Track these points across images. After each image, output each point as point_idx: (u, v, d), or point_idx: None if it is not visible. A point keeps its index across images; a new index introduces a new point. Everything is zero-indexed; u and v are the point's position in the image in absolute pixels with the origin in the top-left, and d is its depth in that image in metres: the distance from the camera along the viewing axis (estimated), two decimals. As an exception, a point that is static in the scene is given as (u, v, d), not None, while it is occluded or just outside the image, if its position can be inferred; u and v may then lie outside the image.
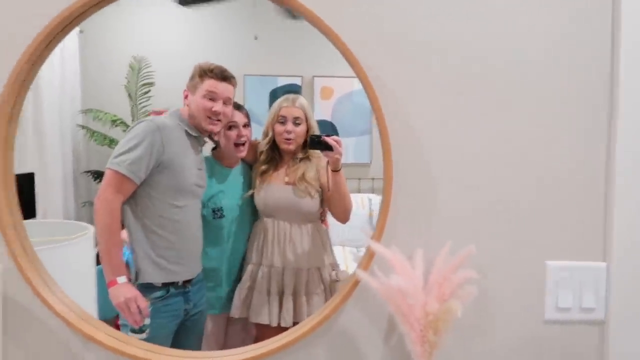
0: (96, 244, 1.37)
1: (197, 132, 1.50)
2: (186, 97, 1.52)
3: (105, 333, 1.06)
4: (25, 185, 1.97)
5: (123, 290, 1.33)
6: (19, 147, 1.91)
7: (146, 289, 1.41)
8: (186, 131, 1.48)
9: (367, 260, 1.07)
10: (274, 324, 1.57)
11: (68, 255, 1.19)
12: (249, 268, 1.61)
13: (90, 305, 1.22)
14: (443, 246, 1.03)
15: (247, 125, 1.62)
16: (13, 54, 0.98)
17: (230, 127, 1.59)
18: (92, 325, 1.06)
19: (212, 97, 1.48)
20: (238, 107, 1.61)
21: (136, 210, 1.41)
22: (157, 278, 1.43)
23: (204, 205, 1.56)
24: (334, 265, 1.68)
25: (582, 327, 1.14)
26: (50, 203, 2.16)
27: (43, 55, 1.02)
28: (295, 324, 1.48)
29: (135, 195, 1.40)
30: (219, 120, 1.50)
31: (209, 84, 1.48)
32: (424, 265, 1.01)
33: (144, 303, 1.34)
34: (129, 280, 1.37)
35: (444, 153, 1.10)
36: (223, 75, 1.48)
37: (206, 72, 1.47)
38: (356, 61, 1.03)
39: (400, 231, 1.10)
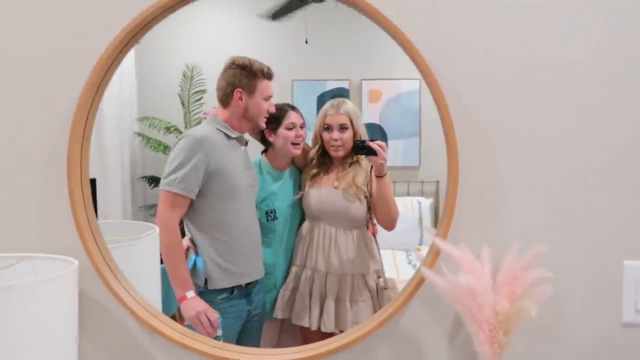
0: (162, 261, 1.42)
1: (236, 134, 1.52)
2: (240, 98, 1.50)
3: (170, 327, 1.09)
4: (88, 191, 2.06)
5: (193, 304, 1.38)
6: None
7: (212, 291, 1.45)
8: (225, 134, 1.50)
9: (432, 258, 1.06)
10: (314, 328, 1.57)
11: (136, 254, 1.23)
12: (293, 270, 1.62)
13: (155, 301, 1.25)
14: (510, 246, 1.00)
15: (303, 125, 1.64)
16: (89, 60, 1.03)
17: (288, 128, 1.60)
18: (158, 319, 1.09)
19: (268, 98, 1.52)
20: (293, 107, 1.64)
21: (196, 220, 1.45)
22: (226, 283, 1.47)
23: (257, 208, 1.57)
24: (380, 272, 1.66)
25: (664, 331, 1.08)
26: (110, 207, 2.24)
27: (117, 60, 1.06)
28: (340, 331, 1.48)
29: (193, 207, 1.44)
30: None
31: (266, 86, 1.50)
32: (491, 265, 0.98)
33: (213, 315, 1.39)
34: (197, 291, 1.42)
35: (513, 149, 1.08)
36: (270, 75, 1.52)
37: (263, 74, 1.49)
38: (422, 59, 1.02)
39: (466, 229, 1.07)
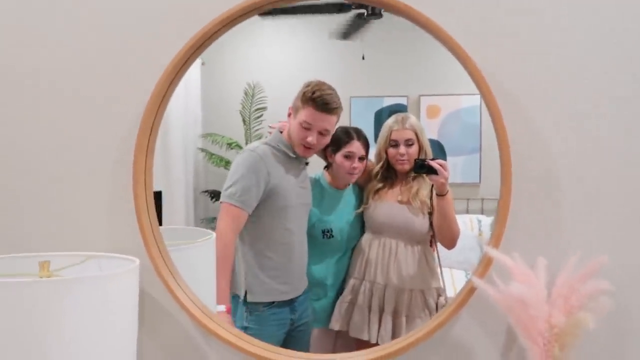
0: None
1: (296, 154, 1.51)
2: (289, 115, 1.50)
3: (225, 329, 1.13)
4: (155, 202, 2.17)
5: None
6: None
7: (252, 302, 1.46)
8: (286, 153, 1.49)
9: (484, 267, 1.03)
10: (373, 341, 1.54)
11: (193, 257, 1.29)
12: (351, 282, 1.61)
13: (211, 304, 1.30)
14: (566, 257, 0.96)
15: (363, 158, 1.59)
16: (155, 73, 1.11)
17: (346, 157, 1.57)
18: (214, 321, 1.13)
19: (307, 127, 1.45)
20: (359, 136, 1.59)
21: (247, 234, 1.46)
22: (265, 298, 1.47)
23: (313, 226, 1.57)
24: (440, 290, 1.62)
25: None
26: (174, 219, 2.35)
27: (180, 73, 1.14)
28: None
29: (246, 221, 1.44)
30: (311, 148, 1.49)
31: (307, 113, 1.44)
32: (547, 276, 0.95)
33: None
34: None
35: (570, 159, 1.05)
36: (325, 108, 1.44)
37: (308, 100, 1.44)
38: (479, 73, 1.02)
39: (520, 239, 1.04)
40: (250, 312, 1.46)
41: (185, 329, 1.15)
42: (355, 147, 1.57)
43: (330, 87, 1.47)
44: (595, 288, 0.91)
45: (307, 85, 1.47)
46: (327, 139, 1.51)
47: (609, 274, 0.92)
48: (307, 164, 1.58)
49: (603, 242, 1.03)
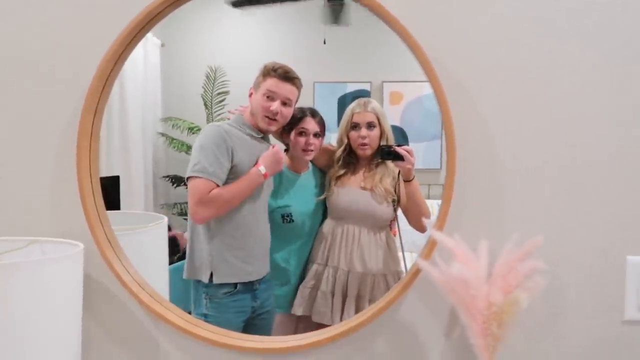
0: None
1: (260, 134, 1.52)
2: (250, 95, 1.53)
3: (174, 313, 1.12)
4: (112, 188, 2.12)
5: (272, 157, 1.49)
6: (107, 154, 2.06)
7: (215, 285, 1.46)
8: (250, 134, 1.51)
9: (429, 249, 1.06)
10: (336, 326, 1.57)
11: (144, 242, 1.28)
12: (314, 267, 1.62)
13: (162, 288, 1.29)
14: (509, 238, 0.99)
15: (318, 134, 1.61)
16: (98, 52, 1.08)
17: (300, 133, 1.60)
18: (163, 306, 1.12)
19: (271, 96, 1.48)
20: (313, 113, 1.61)
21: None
22: (232, 278, 1.47)
23: (273, 212, 1.58)
24: (400, 274, 1.66)
25: (669, 329, 1.05)
26: (133, 204, 2.31)
27: (125, 53, 1.10)
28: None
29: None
30: (275, 119, 1.50)
31: (270, 83, 1.48)
32: (488, 257, 0.98)
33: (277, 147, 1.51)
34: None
35: (513, 141, 1.07)
36: (286, 76, 1.48)
37: (269, 72, 1.48)
38: (421, 51, 1.04)
39: (464, 221, 1.07)
40: (211, 299, 1.46)
41: (133, 314, 1.14)
42: (309, 123, 1.59)
43: (288, 67, 1.51)
44: (531, 267, 0.94)
45: (267, 64, 1.50)
46: (290, 112, 1.53)
47: (544, 253, 0.95)
48: (270, 144, 1.58)
49: (540, 224, 1.07)
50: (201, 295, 1.47)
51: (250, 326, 1.54)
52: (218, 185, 1.41)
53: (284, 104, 1.49)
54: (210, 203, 1.40)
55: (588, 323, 1.07)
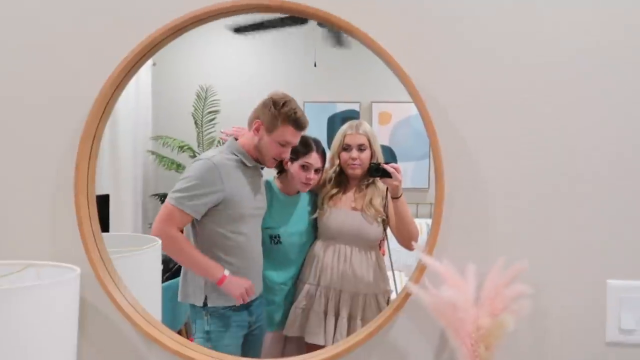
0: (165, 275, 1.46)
1: (253, 163, 1.52)
2: (257, 129, 1.50)
3: (168, 336, 1.13)
4: (101, 206, 2.12)
5: (239, 282, 1.45)
6: (97, 172, 2.06)
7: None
8: (242, 162, 1.50)
9: (419, 273, 1.09)
10: (329, 346, 1.58)
11: (138, 265, 1.29)
12: (306, 288, 1.64)
13: (156, 311, 1.29)
14: (496, 262, 1.03)
15: (319, 170, 1.63)
16: (98, 80, 1.10)
17: (303, 167, 1.60)
18: (156, 329, 1.13)
19: (285, 144, 1.49)
20: (318, 148, 1.62)
21: (201, 238, 1.47)
22: (226, 302, 1.47)
23: (262, 231, 1.59)
24: (389, 293, 1.68)
25: (648, 350, 1.09)
26: (122, 222, 2.30)
27: (124, 81, 1.13)
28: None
29: (199, 225, 1.46)
30: (280, 160, 1.55)
31: (289, 133, 1.48)
32: (476, 280, 1.01)
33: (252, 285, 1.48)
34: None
35: (499, 168, 1.11)
36: (303, 127, 1.49)
37: (290, 120, 1.47)
38: (409, 80, 1.07)
39: (452, 245, 1.10)
40: (211, 315, 1.47)
41: (127, 338, 1.15)
42: (313, 159, 1.60)
43: (295, 101, 1.51)
44: (517, 291, 0.97)
45: (277, 101, 1.48)
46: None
47: (529, 277, 0.99)
48: (262, 171, 1.59)
49: (525, 248, 1.10)
50: (201, 313, 1.47)
51: (244, 341, 1.53)
52: (195, 218, 1.43)
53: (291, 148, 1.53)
54: (169, 238, 1.41)
55: (572, 345, 1.10)
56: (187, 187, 1.43)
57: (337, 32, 2.05)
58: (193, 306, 1.49)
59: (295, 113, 1.47)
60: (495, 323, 0.95)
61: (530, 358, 1.11)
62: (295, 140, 1.51)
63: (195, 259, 1.45)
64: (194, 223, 1.46)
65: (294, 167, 1.61)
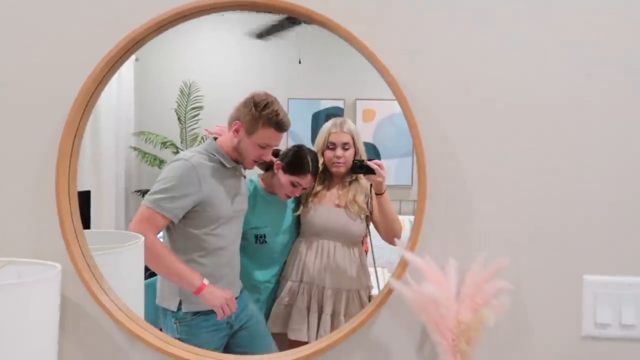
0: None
1: (232, 164, 1.50)
2: (237, 130, 1.47)
3: (150, 333, 1.13)
4: (83, 202, 2.10)
5: (216, 292, 1.40)
6: (78, 168, 2.03)
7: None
8: (222, 163, 1.48)
9: (401, 269, 1.10)
10: (312, 342, 1.59)
11: (120, 262, 1.28)
12: (288, 285, 1.65)
13: (139, 308, 1.29)
14: (476, 258, 1.05)
15: (305, 190, 1.63)
16: (80, 76, 1.09)
17: (293, 184, 1.59)
18: (139, 326, 1.13)
19: (265, 147, 1.47)
20: (314, 170, 1.60)
21: (176, 242, 1.44)
22: (201, 307, 1.44)
23: (246, 230, 1.59)
24: (370, 288, 1.70)
25: (623, 344, 1.12)
26: (104, 219, 2.28)
27: (106, 77, 1.12)
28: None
29: (175, 228, 1.43)
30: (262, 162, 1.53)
31: (270, 135, 1.44)
32: (457, 276, 1.03)
33: (233, 296, 1.44)
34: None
35: (479, 166, 1.12)
36: (285, 129, 1.46)
37: (271, 122, 1.43)
38: (391, 77, 1.08)
39: (434, 242, 1.12)
40: (180, 322, 1.45)
41: (109, 335, 1.14)
42: (306, 181, 1.61)
43: (277, 102, 1.47)
44: (497, 287, 0.99)
45: (258, 102, 1.44)
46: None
47: (508, 272, 1.01)
48: (243, 172, 1.58)
49: (504, 245, 1.12)
50: (170, 320, 1.45)
51: (237, 339, 1.52)
52: (171, 220, 1.39)
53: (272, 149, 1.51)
54: (145, 245, 1.35)
55: (549, 339, 1.13)
56: (164, 188, 1.39)
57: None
58: (165, 311, 1.47)
59: (277, 115, 1.43)
60: (476, 318, 0.97)
61: (508, 352, 1.13)
62: (277, 142, 1.48)
63: (173, 269, 1.40)
64: (169, 225, 1.43)
65: (284, 178, 1.61)
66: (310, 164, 1.60)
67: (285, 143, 1.69)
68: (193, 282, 1.39)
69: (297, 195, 1.63)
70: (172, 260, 1.40)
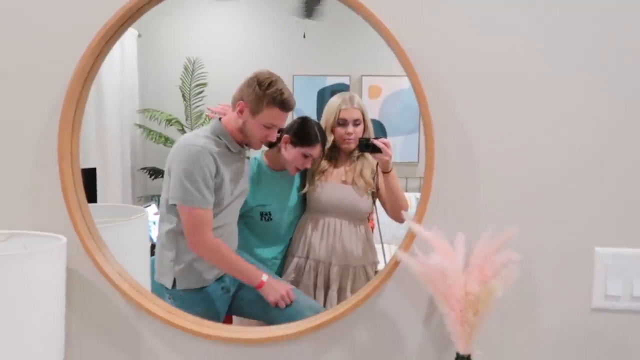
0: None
1: (238, 149, 1.48)
2: (241, 111, 1.44)
3: (156, 305, 1.13)
4: (88, 180, 2.10)
5: (277, 286, 1.43)
6: (84, 145, 2.03)
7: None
8: (227, 147, 1.45)
9: (408, 241, 1.09)
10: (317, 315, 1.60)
11: (125, 235, 1.28)
12: (294, 261, 1.64)
13: (144, 280, 1.29)
14: (485, 230, 1.03)
15: (315, 160, 1.61)
16: (78, 49, 1.07)
17: (304, 155, 1.57)
18: (145, 297, 1.13)
19: (271, 127, 1.44)
20: (322, 139, 1.59)
21: (179, 223, 1.41)
22: (195, 285, 1.46)
23: (252, 209, 1.58)
24: (376, 264, 1.69)
25: (633, 316, 1.10)
26: (110, 197, 2.29)
27: (105, 48, 1.10)
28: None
29: (176, 211, 1.41)
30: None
31: (274, 115, 1.42)
32: (465, 249, 1.01)
33: (291, 287, 1.47)
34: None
35: (488, 136, 1.10)
36: (290, 108, 1.43)
37: (275, 102, 1.40)
38: (400, 47, 1.06)
39: (442, 215, 1.10)
40: (174, 299, 1.44)
41: (115, 306, 1.15)
42: (317, 151, 1.59)
43: (281, 80, 1.44)
44: (506, 258, 0.98)
45: (262, 81, 1.41)
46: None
47: (518, 244, 0.99)
48: (247, 155, 1.56)
49: (513, 217, 1.11)
50: (165, 296, 1.45)
51: (237, 301, 1.52)
52: (209, 209, 1.39)
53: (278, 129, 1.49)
54: (209, 249, 1.40)
55: (558, 311, 1.12)
56: (191, 179, 1.36)
57: (310, 3, 2.01)
58: (161, 287, 1.46)
59: (281, 94, 1.40)
60: (484, 289, 0.96)
61: (517, 323, 1.13)
62: (282, 122, 1.46)
63: (235, 265, 1.44)
64: (170, 208, 1.41)
65: (294, 152, 1.58)
66: (319, 133, 1.58)
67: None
68: (254, 279, 1.42)
69: (308, 166, 1.60)
70: (234, 259, 1.44)
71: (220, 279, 1.51)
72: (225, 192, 1.43)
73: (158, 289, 1.46)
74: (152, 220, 1.70)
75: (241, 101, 1.44)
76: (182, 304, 1.42)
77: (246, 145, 1.50)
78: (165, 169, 1.43)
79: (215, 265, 1.45)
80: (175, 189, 1.37)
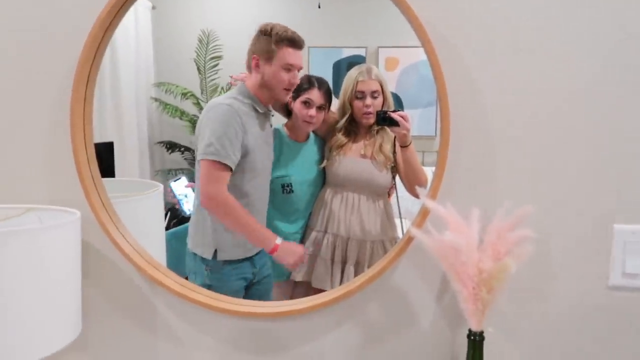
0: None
1: (264, 109, 1.48)
2: (257, 65, 1.45)
3: (171, 279, 1.14)
4: (106, 154, 2.12)
5: (293, 248, 1.46)
6: (100, 120, 2.04)
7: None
8: (254, 108, 1.46)
9: (421, 218, 1.07)
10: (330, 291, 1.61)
11: (140, 210, 1.28)
12: (313, 234, 1.64)
13: (160, 255, 1.30)
14: (500, 206, 1.01)
15: (322, 107, 1.58)
16: (89, 19, 1.06)
17: (304, 103, 1.56)
18: (160, 272, 1.14)
19: (289, 68, 1.43)
20: (320, 85, 1.57)
21: None
22: (236, 255, 1.48)
23: (272, 181, 1.58)
24: (397, 240, 1.68)
25: (651, 295, 1.08)
26: (128, 171, 2.31)
27: (115, 19, 1.08)
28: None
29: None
30: (290, 90, 1.48)
31: (287, 54, 1.41)
32: (479, 224, 0.99)
33: (306, 250, 1.50)
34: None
35: (505, 111, 1.07)
36: (299, 44, 1.43)
37: (284, 40, 1.40)
38: (414, 15, 1.02)
39: (457, 190, 1.09)
40: (212, 271, 1.47)
41: (131, 280, 1.16)
42: (315, 95, 1.56)
43: (282, 24, 1.45)
44: (520, 236, 0.96)
45: (264, 28, 1.43)
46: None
47: (533, 221, 0.97)
48: (272, 116, 1.55)
49: (530, 193, 1.08)
50: (202, 267, 1.47)
51: (251, 291, 1.55)
52: (231, 169, 1.38)
53: (297, 71, 1.47)
54: (222, 204, 1.37)
55: (574, 288, 1.10)
56: (217, 137, 1.36)
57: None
58: (195, 256, 1.48)
59: (285, 32, 1.41)
60: (498, 266, 0.94)
61: (531, 301, 1.11)
62: (298, 60, 1.44)
63: (250, 227, 1.42)
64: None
65: (296, 105, 1.58)
66: (316, 80, 1.57)
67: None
68: (268, 242, 1.41)
69: (313, 115, 1.57)
70: (249, 219, 1.41)
71: (252, 263, 1.53)
72: (256, 155, 1.44)
73: (178, 262, 1.48)
74: (182, 193, 1.75)
75: (253, 55, 1.45)
76: (220, 275, 1.46)
77: (275, 99, 1.50)
78: (196, 134, 1.45)
79: (227, 226, 1.43)
80: (202, 147, 1.38)
